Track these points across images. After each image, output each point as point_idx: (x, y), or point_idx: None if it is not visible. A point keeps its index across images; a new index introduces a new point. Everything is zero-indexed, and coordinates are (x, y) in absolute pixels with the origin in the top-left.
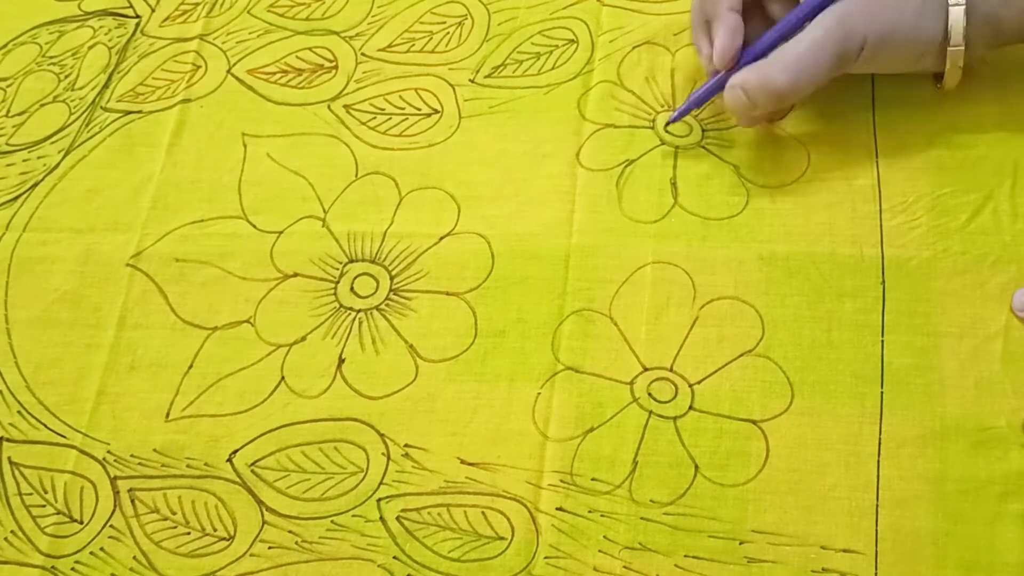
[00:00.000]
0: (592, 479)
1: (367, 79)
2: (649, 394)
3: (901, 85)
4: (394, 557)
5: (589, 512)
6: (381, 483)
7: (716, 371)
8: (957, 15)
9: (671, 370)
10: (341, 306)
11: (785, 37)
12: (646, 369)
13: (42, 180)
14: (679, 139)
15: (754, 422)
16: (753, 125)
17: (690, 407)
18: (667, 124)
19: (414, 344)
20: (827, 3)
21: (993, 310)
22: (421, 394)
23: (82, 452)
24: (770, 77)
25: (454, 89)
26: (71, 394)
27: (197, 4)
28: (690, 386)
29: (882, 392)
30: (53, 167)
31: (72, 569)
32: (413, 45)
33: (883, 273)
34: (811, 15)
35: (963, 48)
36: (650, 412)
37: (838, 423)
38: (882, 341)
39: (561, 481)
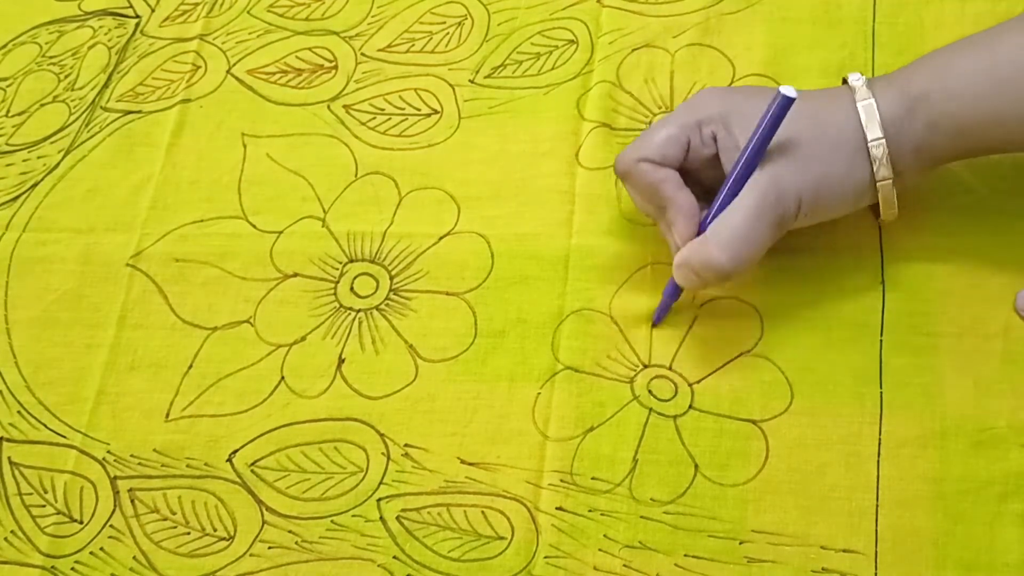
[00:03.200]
0: (592, 478)
1: (367, 79)
2: (649, 391)
3: None
4: (394, 557)
5: (589, 511)
6: (381, 483)
7: (715, 371)
8: (879, 155)
9: (671, 369)
10: (341, 306)
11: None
12: (646, 366)
13: (42, 180)
14: None
15: (754, 422)
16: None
17: (690, 406)
18: (653, 326)
19: (414, 344)
20: (754, 164)
21: (993, 310)
22: (421, 394)
23: (82, 452)
24: (711, 256)
25: (454, 89)
26: (71, 394)
27: (197, 4)
28: (689, 385)
29: (881, 392)
30: (53, 167)
31: (72, 569)
32: (413, 45)
33: (883, 273)
34: (745, 178)
35: (891, 183)
36: (650, 410)
37: (838, 423)
38: (881, 341)
39: (561, 480)
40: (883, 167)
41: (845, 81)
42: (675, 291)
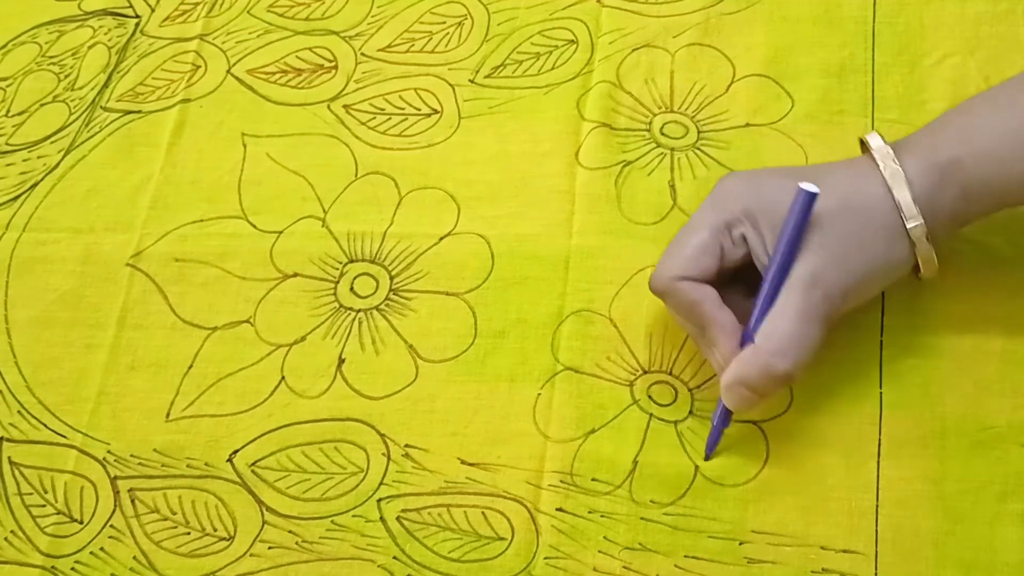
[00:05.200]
0: (592, 479)
1: (367, 79)
2: (649, 397)
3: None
4: (394, 557)
5: (589, 512)
6: (381, 483)
7: (715, 375)
8: (919, 235)
9: (670, 373)
10: (341, 306)
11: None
12: (646, 372)
13: (42, 180)
14: (675, 141)
15: (754, 422)
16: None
17: (690, 412)
18: (705, 459)
19: (414, 344)
20: (789, 265)
21: (994, 310)
22: (421, 394)
23: (82, 452)
24: (770, 364)
25: (454, 89)
26: (71, 394)
27: (197, 4)
28: (689, 390)
29: (881, 392)
30: (53, 167)
31: (72, 569)
32: (413, 45)
33: None
34: (781, 280)
35: (934, 255)
36: (651, 415)
37: (838, 423)
38: (881, 341)
39: (561, 482)
40: (924, 246)
41: (862, 142)
42: (725, 416)
